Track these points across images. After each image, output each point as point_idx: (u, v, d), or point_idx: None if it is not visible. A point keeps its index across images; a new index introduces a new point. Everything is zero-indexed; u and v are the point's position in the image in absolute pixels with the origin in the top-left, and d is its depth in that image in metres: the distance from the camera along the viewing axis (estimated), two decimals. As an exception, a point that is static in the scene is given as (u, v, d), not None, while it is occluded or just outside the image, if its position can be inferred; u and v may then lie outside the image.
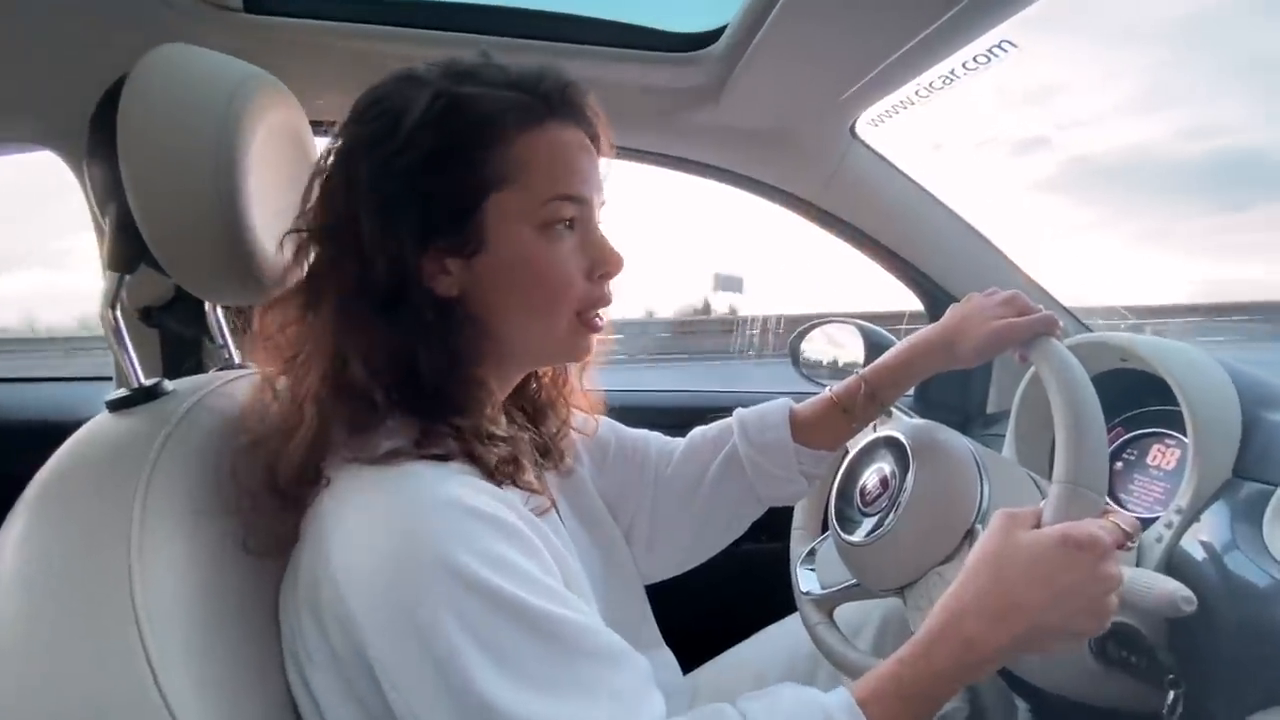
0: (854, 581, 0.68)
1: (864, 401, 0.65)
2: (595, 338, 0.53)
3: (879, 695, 0.43)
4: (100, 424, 0.50)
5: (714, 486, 0.67)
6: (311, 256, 0.49)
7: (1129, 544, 0.46)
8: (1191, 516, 0.60)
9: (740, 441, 0.67)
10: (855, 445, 0.71)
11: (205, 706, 0.42)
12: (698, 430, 0.71)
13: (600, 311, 0.52)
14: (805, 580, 0.74)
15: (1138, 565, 0.61)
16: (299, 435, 0.46)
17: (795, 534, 0.77)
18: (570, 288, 0.50)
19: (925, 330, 0.64)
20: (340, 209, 0.47)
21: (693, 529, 0.69)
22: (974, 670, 0.44)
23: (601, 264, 0.51)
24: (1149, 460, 0.74)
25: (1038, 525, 0.47)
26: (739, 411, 0.69)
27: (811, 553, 0.76)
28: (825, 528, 0.73)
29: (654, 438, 0.72)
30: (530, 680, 0.39)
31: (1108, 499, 0.75)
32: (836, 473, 0.71)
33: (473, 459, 0.46)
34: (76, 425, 0.50)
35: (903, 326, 1.27)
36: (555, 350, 0.54)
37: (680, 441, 0.71)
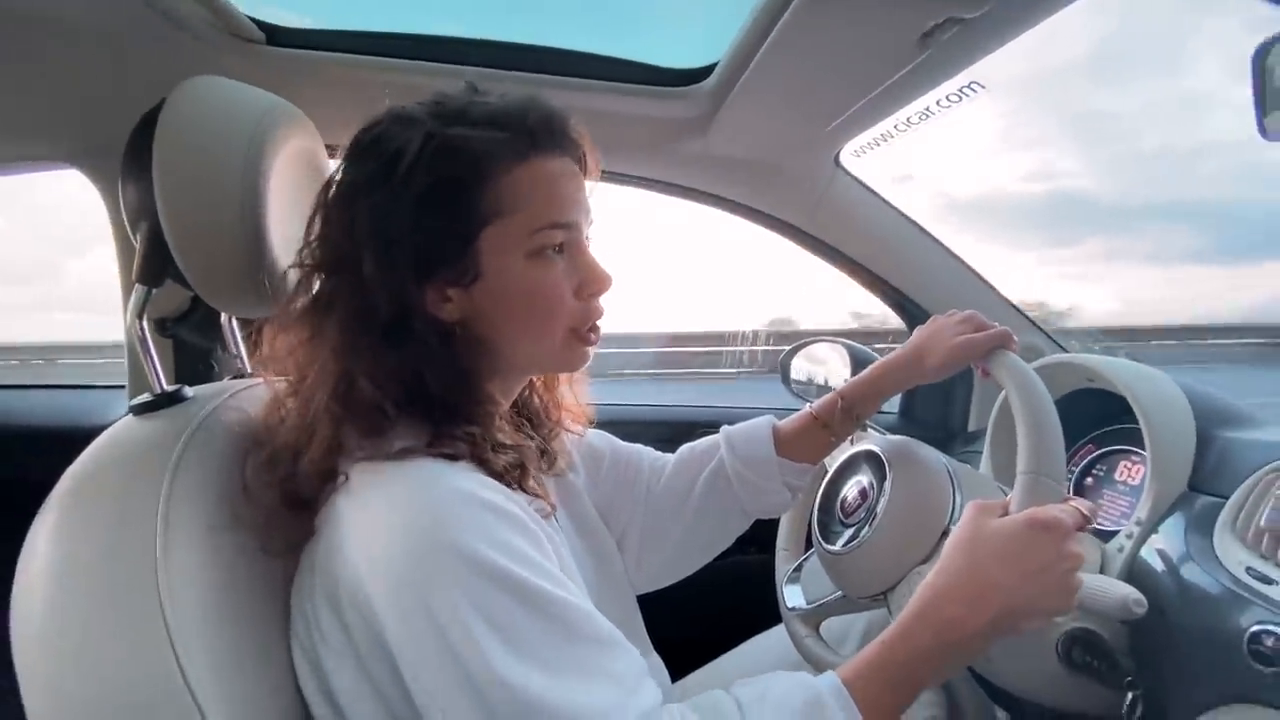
0: (839, 594, 0.71)
1: (841, 417, 0.69)
2: (590, 349, 0.56)
3: (862, 675, 0.46)
4: (126, 426, 0.53)
5: (702, 499, 0.71)
6: (315, 285, 0.51)
7: (1087, 525, 0.50)
8: (1150, 528, 0.64)
9: (727, 455, 0.70)
10: (834, 463, 0.74)
11: (226, 694, 0.44)
12: (686, 446, 0.75)
13: (595, 324, 0.56)
14: (791, 596, 0.77)
15: (1101, 573, 0.64)
16: (313, 448, 0.48)
17: (780, 554, 0.80)
18: (561, 308, 0.53)
19: (895, 351, 0.69)
20: (343, 245, 0.49)
21: (682, 540, 0.72)
22: (955, 650, 0.47)
23: (590, 283, 0.54)
24: (1116, 476, 0.78)
25: (1005, 514, 0.51)
26: (725, 428, 0.73)
27: (796, 571, 0.79)
28: (808, 547, 0.76)
29: (647, 452, 0.75)
30: (536, 658, 0.42)
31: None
32: (818, 490, 0.75)
33: (481, 463, 0.49)
34: (91, 431, 0.52)
35: (886, 346, 1.32)
36: (553, 363, 0.58)
37: (670, 457, 0.75)
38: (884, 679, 0.46)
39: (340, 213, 0.50)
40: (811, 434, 0.70)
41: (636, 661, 0.46)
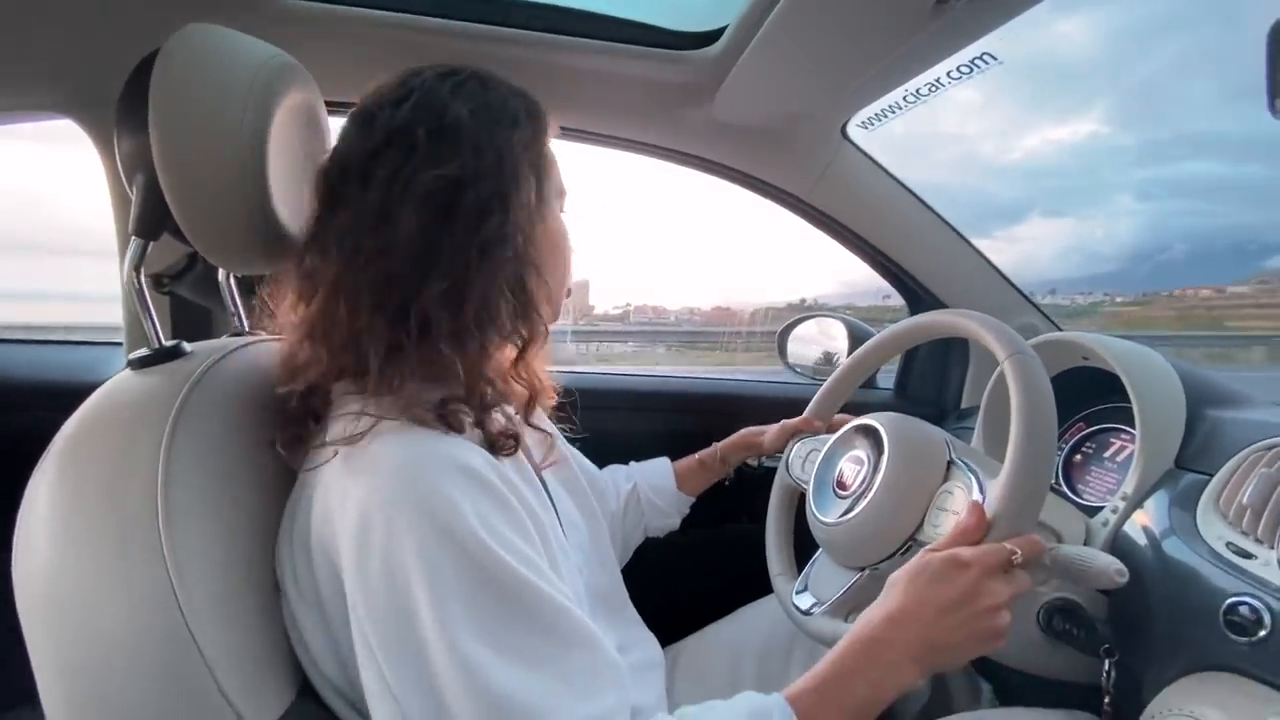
0: (856, 577, 0.67)
1: (719, 464, 0.88)
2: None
3: (803, 691, 0.48)
4: (125, 380, 0.53)
5: (624, 512, 0.84)
6: (340, 219, 0.51)
7: (1014, 559, 0.51)
8: (1135, 503, 0.65)
9: (640, 483, 0.86)
10: (826, 443, 0.74)
11: (227, 643, 0.45)
12: (609, 469, 0.87)
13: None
14: (804, 603, 0.71)
15: (1085, 545, 0.65)
16: (336, 333, 0.49)
17: (778, 579, 0.78)
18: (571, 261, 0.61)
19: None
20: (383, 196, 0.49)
21: (620, 540, 0.83)
22: (884, 672, 0.49)
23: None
24: (1105, 453, 0.79)
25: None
26: (633, 464, 0.89)
27: (803, 584, 0.73)
28: (800, 569, 0.75)
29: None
30: (488, 636, 0.42)
31: (1065, 489, 0.80)
32: (810, 473, 0.75)
33: (478, 427, 0.50)
34: (86, 386, 0.52)
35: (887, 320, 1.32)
36: (553, 312, 0.60)
37: (606, 474, 0.87)
38: (820, 694, 0.48)
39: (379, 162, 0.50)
40: (697, 472, 0.88)
41: (598, 664, 0.46)
